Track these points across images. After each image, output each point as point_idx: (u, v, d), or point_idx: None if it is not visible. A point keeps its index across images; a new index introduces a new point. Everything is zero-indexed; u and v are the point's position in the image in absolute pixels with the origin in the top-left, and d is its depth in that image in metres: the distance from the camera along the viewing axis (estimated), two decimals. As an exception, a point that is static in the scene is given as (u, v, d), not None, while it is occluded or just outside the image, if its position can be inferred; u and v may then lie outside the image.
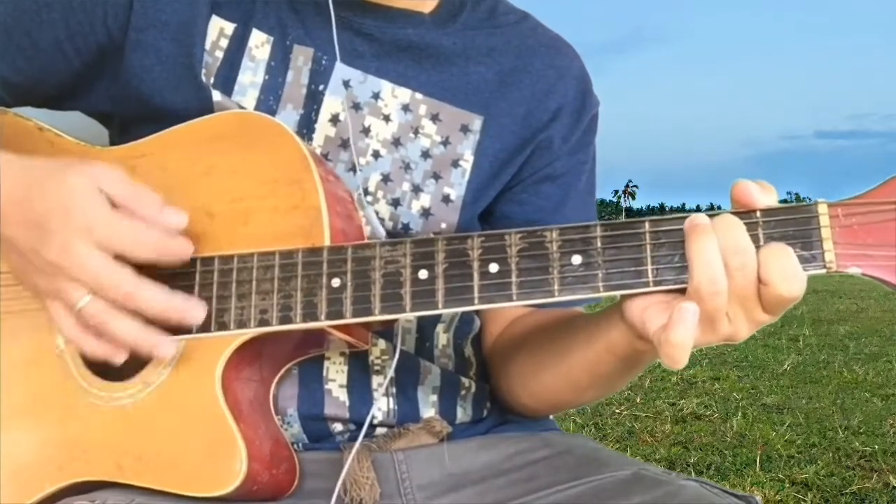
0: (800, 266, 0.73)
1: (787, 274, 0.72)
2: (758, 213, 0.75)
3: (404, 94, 0.99)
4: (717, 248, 0.73)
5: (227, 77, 0.95)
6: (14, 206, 0.81)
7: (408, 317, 0.81)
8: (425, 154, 1.00)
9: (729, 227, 0.73)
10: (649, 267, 0.76)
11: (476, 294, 0.79)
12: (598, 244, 0.77)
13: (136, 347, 0.81)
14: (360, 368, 0.96)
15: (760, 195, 0.75)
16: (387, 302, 0.80)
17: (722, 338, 0.76)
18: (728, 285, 0.73)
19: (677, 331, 0.73)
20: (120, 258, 0.79)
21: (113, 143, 1.01)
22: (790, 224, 0.75)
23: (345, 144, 0.97)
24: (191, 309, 0.81)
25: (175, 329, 0.82)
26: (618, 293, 0.77)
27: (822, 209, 0.74)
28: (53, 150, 0.94)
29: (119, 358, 0.82)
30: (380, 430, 0.97)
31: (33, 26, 0.92)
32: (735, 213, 0.75)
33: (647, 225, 0.77)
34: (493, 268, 0.79)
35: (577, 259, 0.78)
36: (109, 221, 0.79)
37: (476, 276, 0.79)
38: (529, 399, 1.02)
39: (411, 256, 0.81)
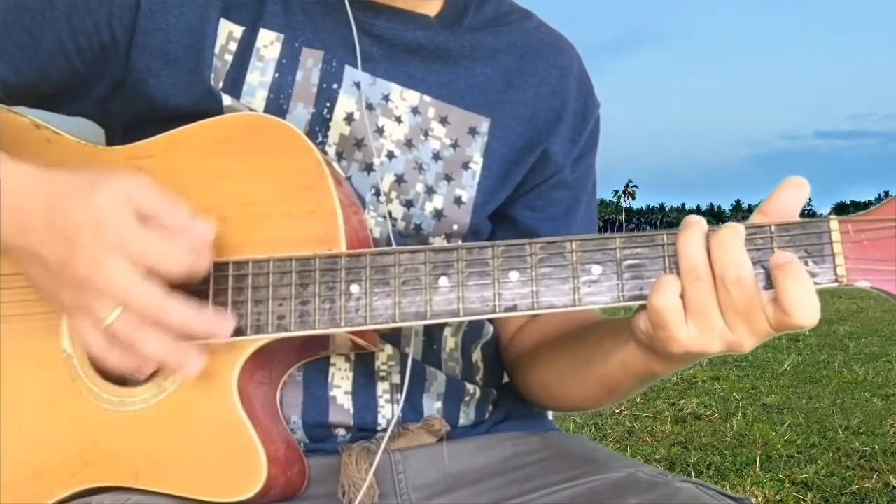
0: (817, 299, 0.75)
1: (809, 307, 0.74)
2: (772, 228, 0.77)
3: (413, 96, 0.99)
4: (701, 240, 0.76)
5: (236, 79, 0.95)
6: (42, 220, 0.80)
7: (429, 324, 0.82)
8: (436, 156, 1.00)
9: (725, 241, 0.75)
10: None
11: (497, 302, 0.80)
12: (618, 255, 0.79)
13: (164, 364, 0.80)
14: (365, 375, 0.97)
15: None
16: (407, 309, 0.81)
17: (725, 344, 0.77)
18: (725, 299, 0.75)
19: (656, 295, 0.76)
20: (150, 273, 0.78)
21: (111, 143, 1.00)
22: (803, 239, 0.76)
23: (359, 144, 0.97)
24: (220, 324, 0.80)
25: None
26: (638, 303, 0.79)
27: (834, 225, 0.76)
28: (50, 147, 0.93)
29: (144, 373, 0.82)
30: (386, 436, 0.97)
31: (35, 25, 0.91)
32: (749, 227, 0.77)
33: (664, 237, 0.79)
34: (514, 276, 0.80)
35: (596, 269, 0.79)
36: (140, 237, 0.78)
37: (497, 284, 0.80)
38: (550, 402, 1.05)
39: (431, 264, 0.81)
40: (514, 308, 0.80)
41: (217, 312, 0.81)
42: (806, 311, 0.74)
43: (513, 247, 0.81)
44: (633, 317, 0.81)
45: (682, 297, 0.76)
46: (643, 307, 0.79)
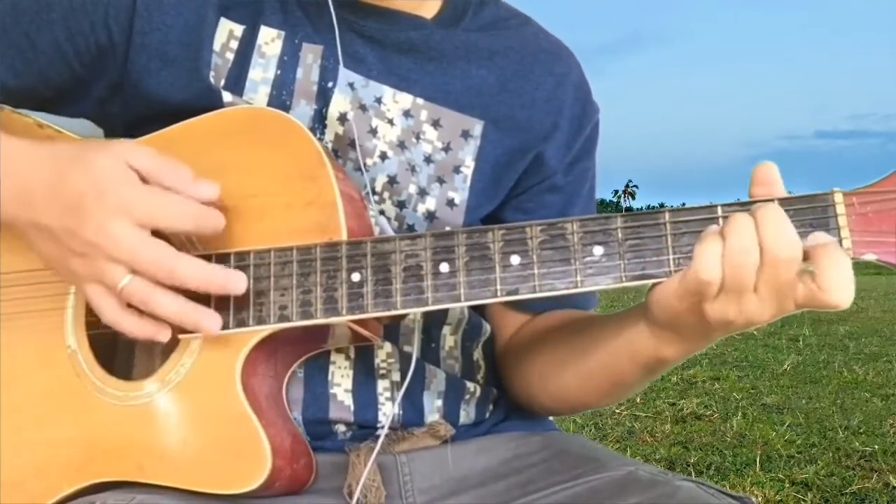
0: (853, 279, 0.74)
1: (848, 287, 0.73)
2: (775, 202, 0.76)
3: (405, 99, 0.99)
4: (752, 222, 0.74)
5: (238, 76, 0.95)
6: (46, 192, 0.80)
7: (430, 310, 0.81)
8: (428, 159, 1.00)
9: (778, 221, 0.73)
10: (671, 256, 0.78)
11: (499, 286, 0.80)
12: (619, 235, 0.79)
13: (181, 323, 0.81)
14: (365, 372, 0.97)
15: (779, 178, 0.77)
16: (408, 295, 0.81)
17: (745, 319, 0.76)
18: (772, 276, 0.74)
19: (702, 266, 0.74)
20: (157, 233, 0.79)
21: None
22: (808, 213, 0.76)
23: (353, 144, 0.97)
24: (231, 279, 0.81)
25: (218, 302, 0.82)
26: (640, 283, 0.78)
27: (839, 198, 0.76)
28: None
29: (163, 336, 0.82)
30: (384, 432, 0.97)
31: (32, 28, 0.92)
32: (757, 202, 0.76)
33: (666, 215, 0.78)
34: (515, 260, 0.80)
35: (598, 250, 0.79)
36: (143, 197, 0.79)
37: (498, 268, 0.80)
38: (548, 400, 1.03)
39: (432, 250, 0.81)
40: (515, 292, 0.80)
41: (228, 269, 0.82)
42: (844, 293, 0.73)
43: (514, 230, 0.81)
44: (648, 292, 0.80)
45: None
46: (657, 284, 0.79)
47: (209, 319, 0.81)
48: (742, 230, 0.74)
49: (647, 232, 0.78)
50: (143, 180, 0.80)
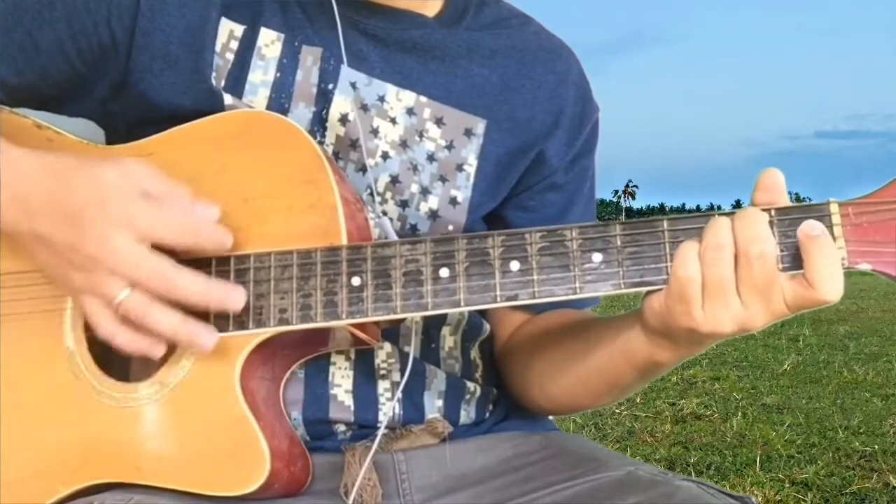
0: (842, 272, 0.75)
1: (836, 280, 0.75)
2: (772, 212, 0.78)
3: (409, 97, 1.00)
4: (729, 223, 0.76)
5: (238, 77, 0.95)
6: (46, 200, 0.80)
7: (430, 315, 0.82)
8: (430, 157, 1.01)
9: (751, 218, 0.76)
10: (668, 264, 0.79)
11: (498, 292, 0.80)
12: (618, 242, 0.80)
13: (176, 339, 0.81)
14: (365, 373, 0.97)
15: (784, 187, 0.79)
16: (408, 300, 0.82)
17: (737, 324, 0.77)
18: (747, 275, 0.76)
19: (682, 267, 0.76)
20: (157, 248, 0.79)
21: (111, 143, 0.99)
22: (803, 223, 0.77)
23: (354, 145, 0.97)
24: (231, 295, 0.81)
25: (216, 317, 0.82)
26: (638, 290, 0.79)
27: (834, 208, 0.77)
28: (52, 147, 0.93)
29: (158, 351, 0.82)
30: (381, 431, 0.97)
31: (34, 26, 0.91)
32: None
33: (665, 223, 0.79)
34: (515, 265, 0.80)
35: (597, 257, 0.80)
36: (147, 212, 0.79)
37: (498, 274, 0.81)
38: (547, 401, 1.03)
39: (432, 255, 0.82)
40: (515, 297, 0.80)
41: (228, 283, 0.82)
42: (833, 285, 0.75)
43: (513, 235, 0.81)
44: (644, 298, 0.81)
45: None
46: (652, 291, 0.80)
47: (206, 336, 0.81)
48: (718, 229, 0.76)
49: (645, 239, 0.79)
50: (146, 196, 0.80)
